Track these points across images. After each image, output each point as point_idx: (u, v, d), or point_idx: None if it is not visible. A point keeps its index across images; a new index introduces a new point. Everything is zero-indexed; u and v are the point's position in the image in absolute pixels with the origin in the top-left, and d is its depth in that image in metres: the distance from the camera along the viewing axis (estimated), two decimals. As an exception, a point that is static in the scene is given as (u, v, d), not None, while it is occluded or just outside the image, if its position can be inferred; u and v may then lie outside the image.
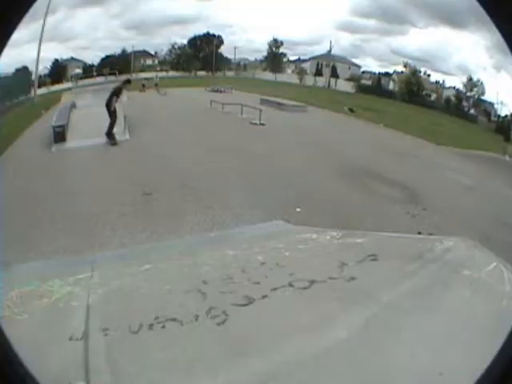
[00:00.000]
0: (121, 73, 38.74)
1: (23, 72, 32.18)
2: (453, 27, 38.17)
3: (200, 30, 43.85)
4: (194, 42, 43.95)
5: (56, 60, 36.50)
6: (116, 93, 23.35)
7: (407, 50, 45.56)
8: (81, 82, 36.49)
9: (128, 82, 25.76)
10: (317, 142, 22.04)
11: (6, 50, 1.82)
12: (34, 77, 32.55)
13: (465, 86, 38.63)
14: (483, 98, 38.17)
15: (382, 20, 46.65)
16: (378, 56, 45.36)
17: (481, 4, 1.77)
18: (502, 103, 36.09)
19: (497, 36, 1.76)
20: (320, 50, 44.17)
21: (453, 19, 35.83)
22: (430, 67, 40.81)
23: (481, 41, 33.67)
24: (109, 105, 22.81)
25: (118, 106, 25.40)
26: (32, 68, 32.41)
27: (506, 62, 29.46)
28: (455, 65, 40.18)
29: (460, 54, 38.13)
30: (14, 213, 10.80)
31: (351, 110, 33.99)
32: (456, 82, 39.53)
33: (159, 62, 43.14)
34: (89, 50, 39.16)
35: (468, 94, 38.59)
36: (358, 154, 20.96)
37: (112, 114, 22.80)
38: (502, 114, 36.11)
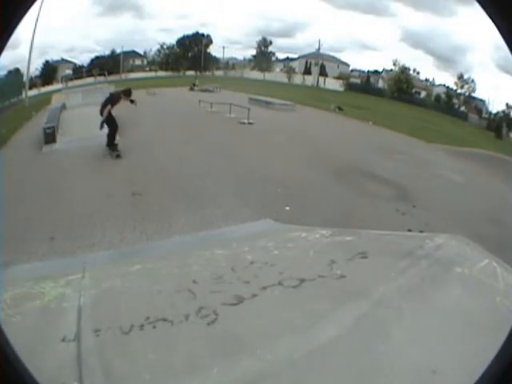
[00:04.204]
0: (110, 73, 38.70)
1: (15, 74, 32.09)
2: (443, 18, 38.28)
3: (189, 28, 43.89)
4: (183, 41, 43.89)
5: (46, 61, 36.45)
6: (112, 101, 19.77)
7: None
8: (71, 83, 36.42)
9: (128, 93, 20.88)
10: (306, 141, 22.06)
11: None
12: (25, 78, 32.49)
13: (455, 83, 38.70)
14: (474, 95, 38.29)
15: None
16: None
17: (480, 4, 1.79)
18: (493, 100, 36.20)
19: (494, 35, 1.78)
20: (309, 48, 44.30)
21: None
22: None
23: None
24: (102, 112, 19.35)
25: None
26: (23, 69, 32.38)
27: (498, 59, 29.59)
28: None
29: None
30: (4, 213, 10.77)
31: (340, 109, 33.95)
32: (446, 79, 39.62)
33: (148, 63, 43.09)
34: (78, 50, 39.15)
35: (459, 91, 38.65)
36: (347, 152, 21.00)
37: (110, 122, 19.64)
38: (494, 111, 36.21)
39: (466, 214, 14.13)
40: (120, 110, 23.92)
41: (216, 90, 37.01)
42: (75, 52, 38.57)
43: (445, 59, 38.96)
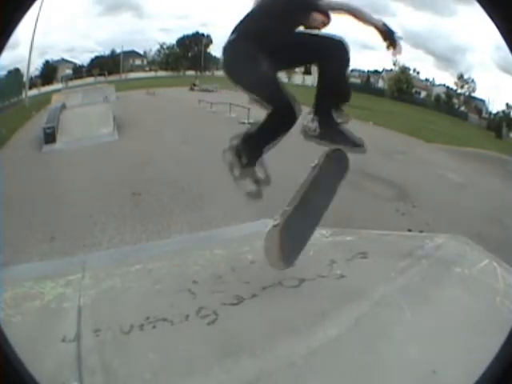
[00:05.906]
0: (110, 73, 38.63)
1: (15, 74, 32.03)
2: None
3: (189, 28, 43.77)
4: (183, 41, 43.76)
5: (47, 61, 36.38)
6: None
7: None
8: (71, 83, 36.31)
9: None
10: (306, 141, 21.97)
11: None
12: (25, 78, 32.41)
13: (455, 83, 38.52)
14: (474, 95, 38.11)
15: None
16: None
17: (480, 4, 1.78)
18: (493, 100, 36.05)
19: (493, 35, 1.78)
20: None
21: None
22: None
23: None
24: None
25: (107, 106, 25.16)
26: (23, 69, 32.31)
27: (498, 59, 29.57)
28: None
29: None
30: (5, 213, 10.75)
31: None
32: (446, 79, 39.48)
33: (148, 62, 42.97)
34: (78, 50, 39.11)
35: (459, 91, 38.46)
36: (346, 152, 20.86)
37: None
38: (494, 111, 36.05)
39: (465, 214, 14.10)
40: (118, 111, 23.91)
41: (216, 89, 36.87)
42: (75, 52, 38.47)
43: (445, 59, 38.86)
